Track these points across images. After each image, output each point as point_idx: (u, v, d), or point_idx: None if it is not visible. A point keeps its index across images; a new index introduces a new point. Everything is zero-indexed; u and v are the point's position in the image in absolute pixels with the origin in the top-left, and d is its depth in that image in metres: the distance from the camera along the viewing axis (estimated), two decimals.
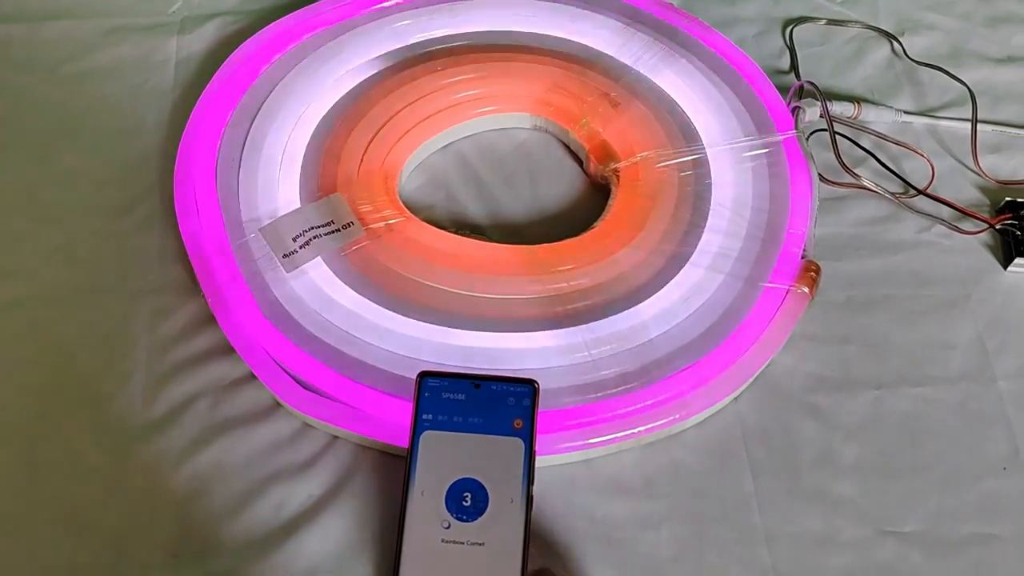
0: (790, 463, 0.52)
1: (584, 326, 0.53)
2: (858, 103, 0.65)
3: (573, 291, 0.55)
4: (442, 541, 0.44)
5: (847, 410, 0.54)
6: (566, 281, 0.55)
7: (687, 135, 0.62)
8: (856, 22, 0.72)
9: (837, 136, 0.62)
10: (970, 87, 0.66)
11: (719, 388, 0.52)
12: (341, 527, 0.49)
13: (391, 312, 0.54)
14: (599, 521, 0.50)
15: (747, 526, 0.50)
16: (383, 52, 0.65)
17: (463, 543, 0.44)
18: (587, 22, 0.67)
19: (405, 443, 0.46)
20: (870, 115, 0.65)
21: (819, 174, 0.61)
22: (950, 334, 0.57)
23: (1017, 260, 0.58)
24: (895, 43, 0.71)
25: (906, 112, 0.66)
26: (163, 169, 0.62)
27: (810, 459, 0.52)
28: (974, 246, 0.60)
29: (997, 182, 0.63)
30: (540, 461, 0.48)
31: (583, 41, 0.66)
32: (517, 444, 0.45)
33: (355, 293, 0.54)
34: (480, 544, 0.44)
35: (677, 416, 0.51)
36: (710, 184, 0.59)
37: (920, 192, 0.62)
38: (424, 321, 0.53)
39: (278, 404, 0.53)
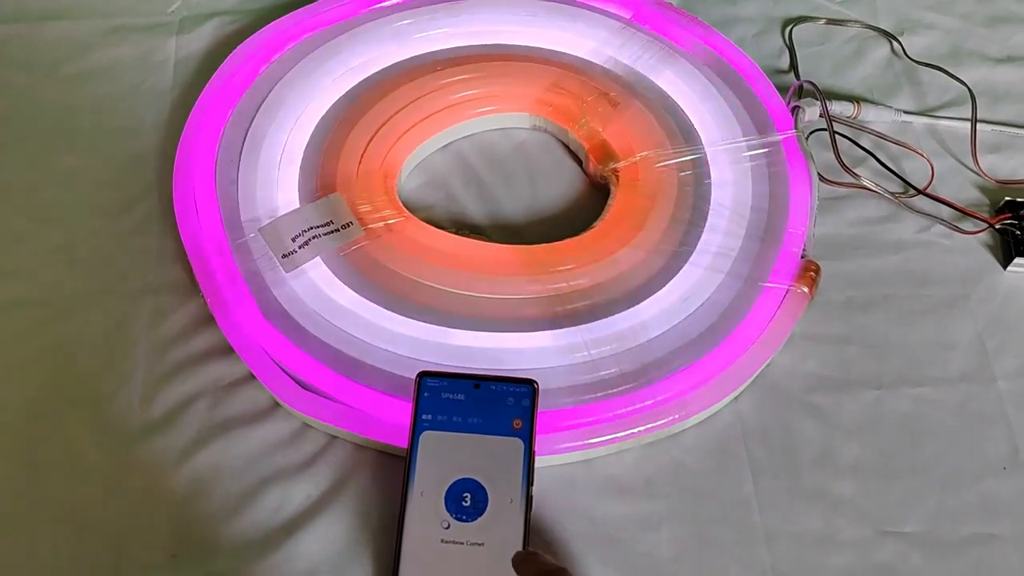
0: (790, 463, 0.52)
1: (583, 326, 0.53)
2: (858, 103, 0.65)
3: (572, 291, 0.55)
4: (441, 541, 0.44)
5: (847, 410, 0.54)
6: (565, 281, 0.55)
7: (687, 135, 0.62)
8: (856, 22, 0.72)
9: (837, 136, 0.62)
10: (970, 87, 0.66)
11: (719, 388, 0.52)
12: (340, 527, 0.49)
13: (390, 312, 0.54)
14: (599, 521, 0.50)
15: (747, 526, 0.50)
16: (382, 53, 0.65)
17: (463, 543, 0.44)
18: (586, 22, 0.67)
19: (404, 443, 0.46)
20: (870, 115, 0.65)
21: (819, 174, 0.61)
22: (950, 334, 0.57)
23: (1017, 260, 0.58)
24: (895, 43, 0.71)
25: (906, 112, 0.66)
26: (162, 169, 0.62)
27: (810, 459, 0.52)
28: (974, 246, 0.60)
29: (997, 182, 0.63)
30: (540, 461, 0.48)
31: (582, 41, 0.66)
32: (517, 444, 0.45)
33: (354, 293, 0.54)
34: (480, 544, 0.44)
35: (677, 416, 0.51)
36: (709, 184, 0.59)
37: (920, 192, 0.62)
38: (423, 321, 0.53)
39: (277, 404, 0.53)
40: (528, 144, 0.65)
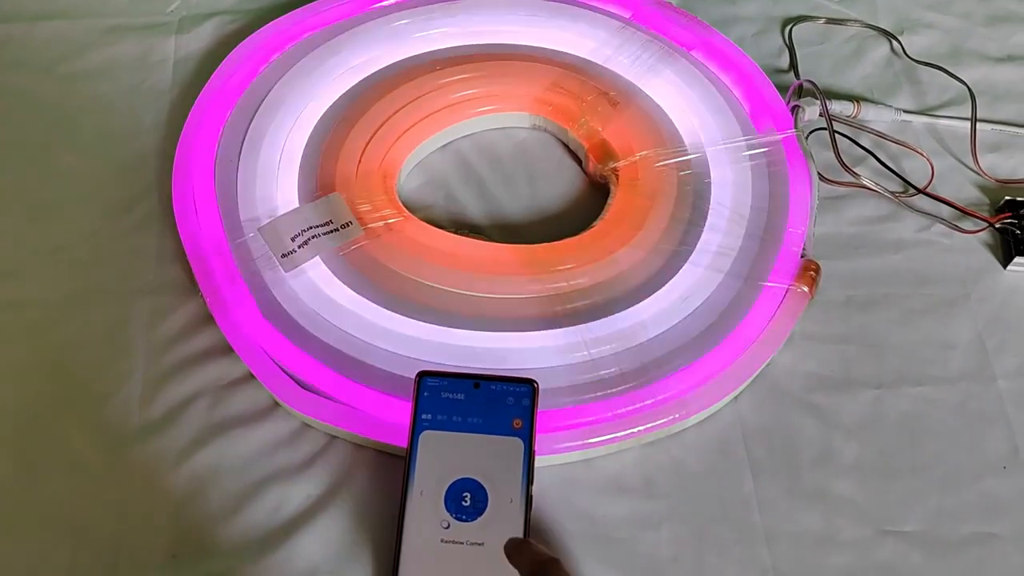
0: (790, 463, 0.52)
1: (583, 325, 0.53)
2: (857, 102, 0.65)
3: (572, 290, 0.55)
4: (441, 541, 0.44)
5: (847, 409, 0.54)
6: (565, 280, 0.55)
7: (686, 134, 0.62)
8: (855, 21, 0.72)
9: (836, 135, 0.62)
10: (969, 86, 0.66)
11: (719, 387, 0.52)
12: (340, 527, 0.49)
13: (390, 312, 0.53)
14: (599, 521, 0.50)
15: (747, 526, 0.50)
16: (382, 52, 0.65)
17: (462, 543, 0.44)
18: (586, 21, 0.67)
19: (404, 443, 0.46)
20: (869, 114, 0.65)
21: (819, 173, 0.61)
22: (950, 333, 0.57)
23: (1017, 259, 0.58)
24: (894, 42, 0.71)
25: (905, 111, 0.66)
26: (161, 169, 0.61)
27: (810, 459, 0.52)
28: (974, 245, 0.60)
29: (996, 181, 0.63)
30: (540, 461, 0.48)
31: (582, 40, 0.66)
32: (516, 444, 0.45)
33: (354, 293, 0.54)
34: (479, 544, 0.44)
35: (677, 416, 0.51)
36: (709, 183, 0.59)
37: (920, 191, 0.62)
38: (423, 321, 0.53)
39: (277, 404, 0.53)
40: (528, 143, 0.65)
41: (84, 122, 0.64)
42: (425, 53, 0.65)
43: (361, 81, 0.63)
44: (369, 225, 0.57)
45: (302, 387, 0.51)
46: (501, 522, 0.44)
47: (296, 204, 0.58)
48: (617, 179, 0.60)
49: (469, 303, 0.54)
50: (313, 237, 0.56)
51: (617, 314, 0.54)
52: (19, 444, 0.51)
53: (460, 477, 0.45)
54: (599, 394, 0.51)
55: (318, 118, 0.62)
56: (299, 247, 0.55)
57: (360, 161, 0.60)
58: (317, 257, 0.55)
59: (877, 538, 0.50)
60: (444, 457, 0.45)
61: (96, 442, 0.51)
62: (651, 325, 0.53)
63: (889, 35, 0.71)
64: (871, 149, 0.63)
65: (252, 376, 0.52)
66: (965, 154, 0.64)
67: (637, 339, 0.53)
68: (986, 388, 0.55)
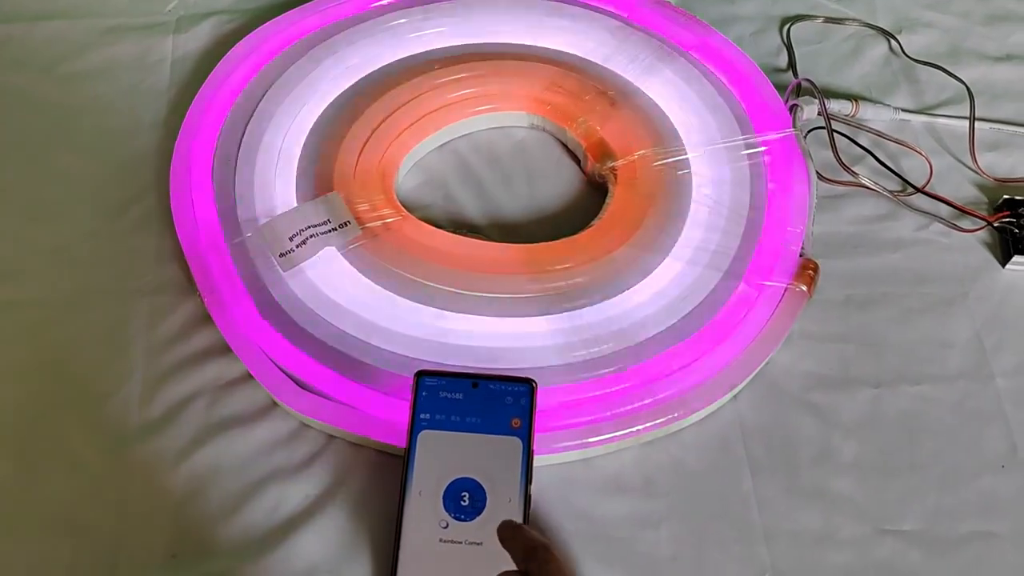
0: (789, 461, 0.52)
1: (582, 324, 0.53)
2: (856, 101, 0.65)
3: (571, 289, 0.55)
4: (440, 541, 0.44)
5: (846, 408, 0.54)
6: (564, 279, 0.55)
7: (684, 133, 0.62)
8: (854, 20, 0.72)
9: (835, 134, 0.62)
10: (968, 85, 0.66)
11: (718, 386, 0.52)
12: (338, 527, 0.49)
13: (388, 311, 0.53)
14: (598, 520, 0.50)
15: (746, 524, 0.50)
16: (379, 52, 0.65)
17: (461, 543, 0.44)
18: (584, 21, 0.67)
19: (402, 443, 0.46)
20: (868, 113, 0.65)
21: (817, 172, 0.61)
22: (948, 332, 0.57)
23: (1015, 258, 0.58)
24: (893, 41, 0.71)
25: (904, 110, 0.66)
26: (160, 169, 0.61)
27: (809, 457, 0.52)
28: (972, 244, 0.60)
29: (995, 180, 0.63)
30: (538, 460, 0.48)
31: (580, 40, 0.66)
32: (515, 443, 0.45)
33: (352, 292, 0.54)
34: (478, 544, 0.44)
35: (676, 415, 0.51)
36: (708, 182, 0.59)
37: (918, 190, 0.62)
38: (422, 320, 0.53)
39: (275, 404, 0.53)
40: (526, 143, 0.65)
41: (83, 122, 0.64)
42: (423, 52, 0.65)
43: (359, 80, 0.63)
44: (367, 224, 0.57)
45: (300, 387, 0.51)
46: (500, 522, 0.44)
47: (294, 204, 0.58)
48: (615, 178, 0.60)
49: (468, 302, 0.54)
50: (311, 237, 0.56)
51: (615, 313, 0.54)
52: (18, 444, 0.51)
53: (459, 477, 0.45)
54: (598, 393, 0.51)
55: (316, 117, 0.62)
56: (297, 247, 0.55)
57: (358, 160, 0.60)
58: (315, 257, 0.55)
59: (876, 537, 0.50)
60: (443, 457, 0.45)
61: (95, 442, 0.51)
62: (649, 324, 0.53)
63: (888, 34, 0.71)
64: (870, 148, 0.63)
65: (250, 376, 0.52)
66: (964, 153, 0.64)
67: (636, 338, 0.53)
68: (984, 387, 0.55)
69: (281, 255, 0.55)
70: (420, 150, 0.63)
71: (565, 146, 0.65)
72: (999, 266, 0.59)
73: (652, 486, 0.51)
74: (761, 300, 0.55)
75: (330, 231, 0.56)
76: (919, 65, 0.69)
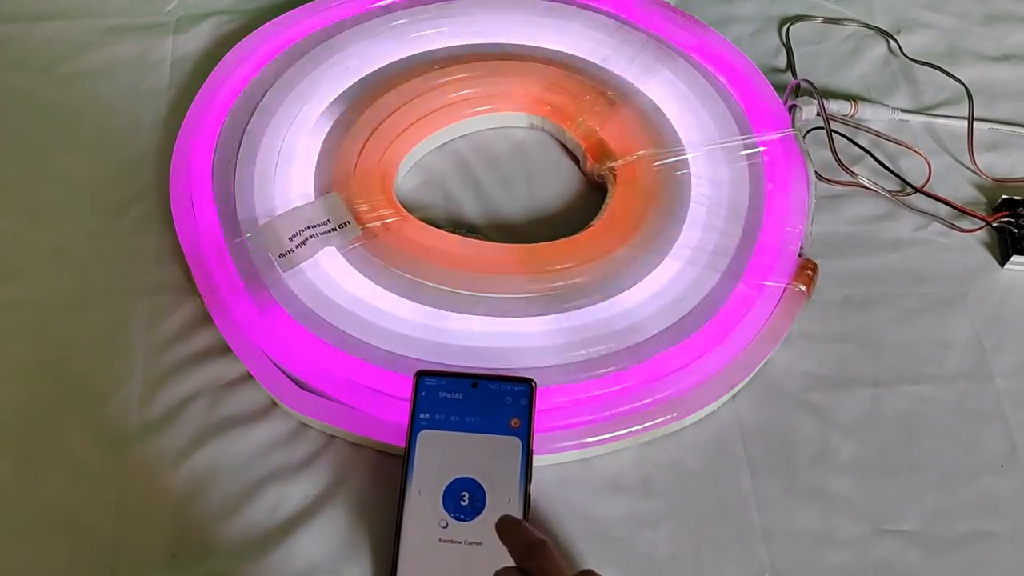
0: (788, 461, 0.52)
1: (581, 324, 0.53)
2: (854, 101, 0.65)
3: (570, 289, 0.55)
4: (440, 540, 0.44)
5: (844, 408, 0.54)
6: (563, 280, 0.55)
7: (684, 134, 0.62)
8: (852, 20, 0.72)
9: (834, 134, 0.62)
10: (966, 85, 0.66)
11: (716, 386, 0.52)
12: (338, 527, 0.49)
13: (388, 311, 0.54)
14: (597, 520, 0.50)
15: (745, 524, 0.50)
16: (379, 52, 0.65)
17: (461, 542, 0.44)
18: (583, 21, 0.67)
19: (402, 442, 0.46)
20: (867, 113, 0.65)
21: (816, 172, 0.61)
22: (947, 332, 0.57)
23: (1014, 258, 0.59)
24: (891, 41, 0.71)
25: (903, 110, 0.66)
26: (160, 169, 0.61)
27: (808, 457, 0.52)
28: (971, 244, 0.60)
29: (994, 180, 0.63)
30: (537, 460, 0.48)
31: (579, 40, 0.66)
32: (514, 443, 0.45)
33: (352, 292, 0.54)
34: (478, 543, 0.44)
35: (674, 415, 0.51)
36: (707, 182, 0.59)
37: (917, 190, 0.62)
38: (421, 320, 0.53)
39: (275, 404, 0.53)
40: (526, 143, 0.65)
41: (82, 122, 0.64)
42: (423, 53, 0.65)
43: (359, 81, 0.63)
44: (367, 225, 0.57)
45: (300, 387, 0.51)
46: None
47: (294, 204, 0.58)
48: (615, 178, 0.60)
49: (467, 302, 0.54)
50: (311, 237, 0.56)
51: (615, 313, 0.54)
52: (18, 444, 0.51)
53: (458, 476, 0.45)
54: (597, 393, 0.51)
55: (316, 118, 0.62)
56: (297, 247, 0.55)
57: (358, 161, 0.60)
58: (315, 257, 0.55)
59: (875, 537, 0.50)
60: (442, 456, 0.45)
61: (95, 442, 0.51)
62: (648, 324, 0.54)
63: (886, 34, 0.71)
64: (868, 148, 0.63)
65: (250, 376, 0.52)
66: (962, 153, 0.64)
67: (634, 338, 0.53)
68: (983, 387, 0.55)
69: (281, 255, 0.55)
70: (420, 150, 0.63)
71: (564, 146, 0.65)
72: (998, 266, 0.60)
73: (651, 486, 0.51)
74: (760, 300, 0.55)
75: (330, 231, 0.56)
76: (918, 65, 0.69)
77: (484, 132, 0.65)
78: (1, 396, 0.53)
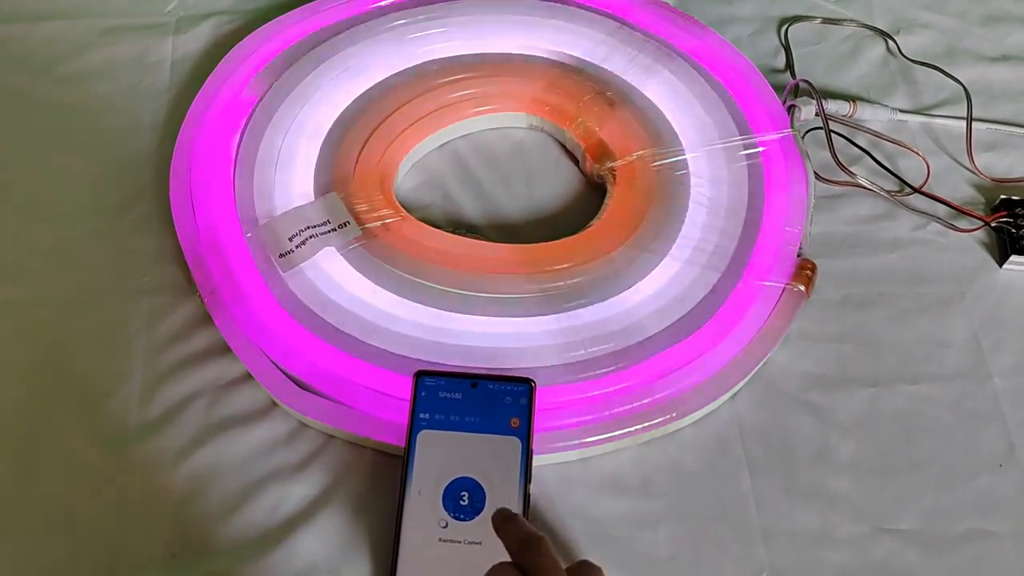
0: (787, 461, 0.52)
1: (580, 324, 0.53)
2: (853, 101, 0.65)
3: (569, 289, 0.55)
4: (439, 540, 0.44)
5: (843, 408, 0.54)
6: (563, 279, 0.55)
7: (683, 134, 0.62)
8: (851, 21, 0.72)
9: (833, 134, 0.62)
10: (965, 85, 0.66)
11: (716, 386, 0.52)
12: (338, 526, 0.49)
13: (388, 311, 0.54)
14: (596, 520, 0.50)
15: (744, 524, 0.50)
16: (379, 53, 0.65)
17: (460, 542, 0.44)
18: (582, 21, 0.67)
19: (402, 442, 0.46)
20: (865, 113, 0.65)
21: (815, 172, 0.61)
22: (946, 332, 0.57)
23: (1012, 258, 0.59)
24: (890, 42, 0.71)
25: (901, 110, 0.66)
26: (160, 169, 0.61)
27: (807, 457, 0.52)
28: (969, 244, 0.61)
29: (992, 180, 0.63)
30: (537, 460, 0.48)
31: (579, 40, 0.66)
32: (514, 443, 0.46)
33: (352, 292, 0.54)
34: (478, 543, 0.44)
35: (674, 415, 0.51)
36: (706, 182, 0.60)
37: (915, 190, 0.62)
38: (421, 320, 0.53)
39: (275, 404, 0.53)
40: (525, 143, 0.65)
41: (82, 122, 0.64)
42: (423, 53, 0.65)
43: (358, 81, 0.63)
44: (367, 225, 0.57)
45: (300, 387, 0.51)
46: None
47: (294, 204, 0.58)
48: (614, 179, 0.60)
49: (467, 302, 0.54)
50: (311, 237, 0.56)
51: (614, 313, 0.54)
52: (18, 444, 0.51)
53: (458, 476, 0.45)
54: (596, 393, 0.51)
55: (315, 118, 0.62)
56: (297, 247, 0.55)
57: (357, 161, 0.60)
58: (315, 257, 0.55)
59: (874, 536, 0.50)
60: (442, 456, 0.45)
61: (95, 442, 0.51)
62: (647, 324, 0.54)
63: (885, 35, 0.71)
64: (867, 148, 0.63)
65: (250, 376, 0.52)
66: (961, 153, 0.64)
67: (634, 338, 0.53)
68: (982, 386, 0.55)
69: (281, 255, 0.55)
70: (419, 150, 0.63)
71: (564, 147, 0.65)
72: (996, 266, 0.60)
73: (650, 486, 0.51)
74: (759, 300, 0.55)
75: (330, 231, 0.56)
76: (916, 66, 0.69)
77: (484, 132, 0.66)
78: (1, 396, 0.53)
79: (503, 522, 0.40)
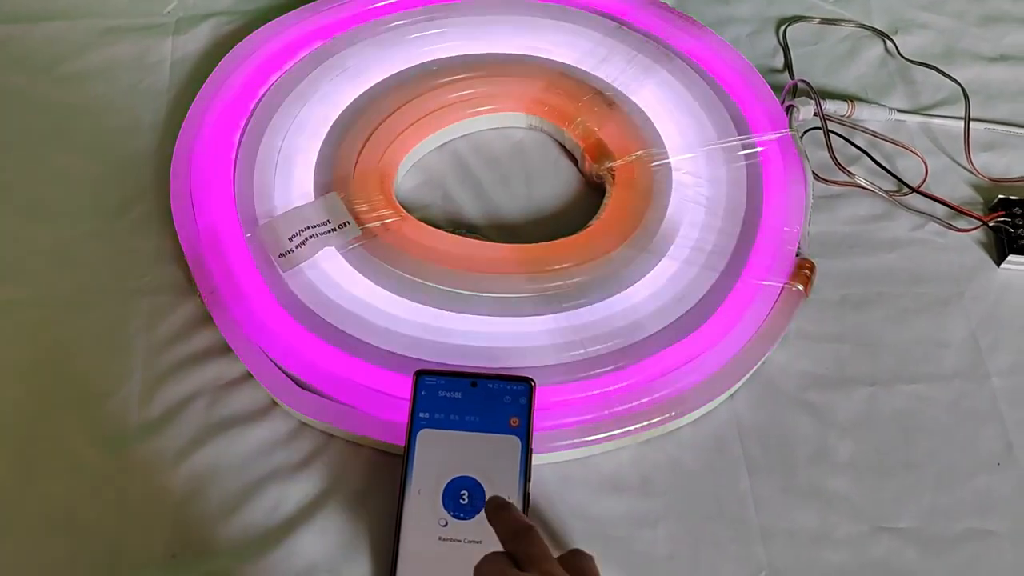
0: (785, 460, 0.52)
1: (580, 324, 0.53)
2: (852, 102, 0.65)
3: (569, 289, 0.55)
4: (439, 539, 0.44)
5: (842, 407, 0.54)
6: (562, 279, 0.55)
7: (682, 134, 0.62)
8: (849, 21, 0.72)
9: (831, 134, 0.62)
10: (963, 85, 0.66)
11: (715, 386, 0.52)
12: (338, 526, 0.49)
13: (387, 311, 0.54)
14: (595, 519, 0.50)
15: (743, 523, 0.50)
16: (379, 53, 0.65)
17: (460, 541, 0.44)
18: (582, 22, 0.67)
19: (402, 442, 0.46)
20: (864, 113, 0.65)
21: (813, 172, 0.61)
22: (944, 331, 0.57)
23: (1010, 257, 0.59)
24: (888, 42, 0.71)
25: (899, 110, 0.67)
26: (160, 169, 0.61)
27: (805, 456, 0.52)
28: (967, 244, 0.61)
29: (990, 180, 0.64)
30: (536, 459, 0.48)
31: (578, 41, 0.66)
32: (514, 442, 0.46)
33: (351, 292, 0.54)
34: (478, 542, 0.44)
35: (673, 414, 0.51)
36: (705, 182, 0.60)
37: (914, 190, 0.62)
38: (420, 320, 0.53)
39: (275, 403, 0.53)
40: (524, 144, 0.65)
41: (82, 123, 0.64)
42: (422, 52, 0.65)
43: (358, 81, 0.63)
44: (366, 225, 0.57)
45: (300, 386, 0.52)
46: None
47: (294, 204, 0.58)
48: (613, 179, 0.61)
49: (466, 302, 0.54)
50: (311, 237, 0.56)
51: (613, 312, 0.54)
52: (18, 444, 0.51)
53: (458, 475, 0.45)
54: (595, 392, 0.51)
55: (315, 118, 0.62)
56: (297, 247, 0.55)
57: (357, 161, 0.60)
58: (315, 257, 0.55)
59: (872, 535, 0.50)
60: (442, 455, 0.46)
61: (95, 441, 0.51)
62: (647, 323, 0.54)
63: (883, 35, 0.71)
64: (865, 148, 0.63)
65: (250, 376, 0.52)
66: (959, 153, 0.65)
67: (633, 337, 0.53)
68: (980, 386, 0.55)
69: (281, 255, 0.55)
70: (419, 150, 0.63)
71: (563, 147, 0.65)
72: (994, 265, 0.60)
73: (649, 485, 0.51)
74: (758, 300, 0.55)
75: (329, 231, 0.56)
76: (914, 66, 0.69)
77: (483, 132, 0.66)
78: (1, 396, 0.53)
79: (496, 510, 0.40)
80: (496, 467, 0.45)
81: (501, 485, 0.45)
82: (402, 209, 0.59)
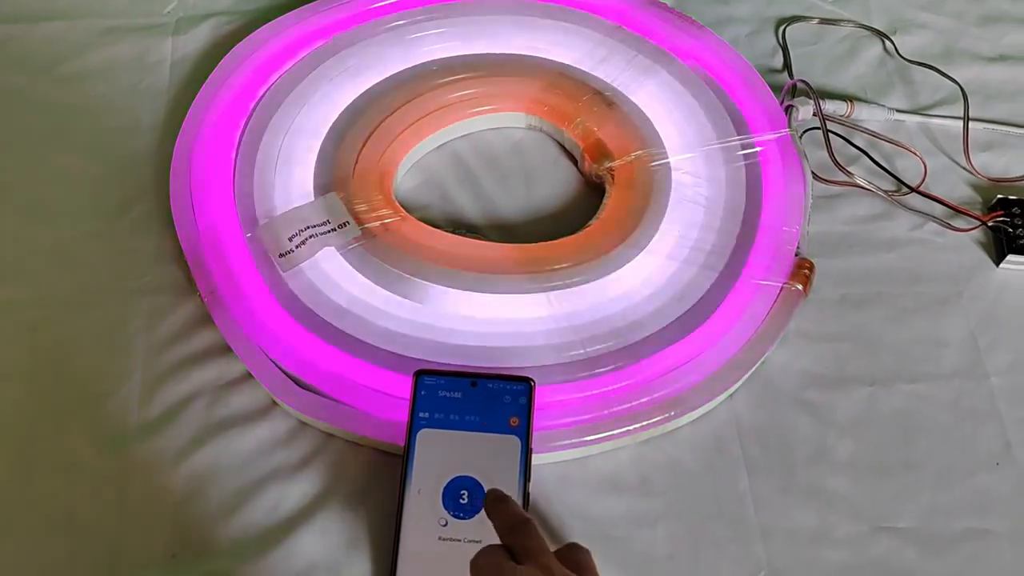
0: (785, 460, 0.52)
1: (579, 324, 0.53)
2: (851, 101, 0.65)
3: (568, 289, 0.55)
4: (439, 539, 0.44)
5: (841, 407, 0.54)
6: (561, 279, 0.55)
7: (681, 134, 0.62)
8: (849, 21, 0.72)
9: (830, 134, 0.62)
10: (962, 85, 0.66)
11: (714, 385, 0.52)
12: (338, 525, 0.49)
13: (387, 311, 0.54)
14: (594, 519, 0.50)
15: (742, 523, 0.50)
16: (378, 53, 0.65)
17: (460, 540, 0.44)
18: (581, 22, 0.67)
19: (402, 441, 0.46)
20: (863, 113, 0.66)
21: (812, 172, 0.61)
22: (943, 331, 0.57)
23: (1009, 257, 0.59)
24: (887, 42, 0.71)
25: (898, 110, 0.67)
26: (160, 169, 0.61)
27: (805, 456, 0.52)
28: (966, 243, 0.61)
29: (989, 179, 0.64)
30: (536, 459, 0.48)
31: (577, 41, 0.66)
32: (513, 442, 0.46)
33: (351, 292, 0.54)
34: (477, 542, 0.44)
35: (672, 414, 0.51)
36: (704, 182, 0.60)
37: (913, 190, 0.62)
38: (420, 320, 0.53)
39: (275, 403, 0.53)
40: (524, 144, 0.66)
41: (81, 123, 0.65)
42: (422, 52, 0.65)
43: (358, 81, 0.64)
44: (366, 225, 0.57)
45: (300, 386, 0.52)
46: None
47: (294, 204, 0.58)
48: (612, 179, 0.61)
49: (466, 302, 0.54)
50: (311, 237, 0.56)
51: (612, 312, 0.54)
52: (17, 444, 0.51)
53: (458, 475, 0.45)
54: (594, 392, 0.51)
55: (315, 118, 0.62)
56: (297, 247, 0.55)
57: (357, 161, 0.60)
58: (315, 257, 0.55)
59: (872, 534, 0.50)
60: (442, 455, 0.46)
61: (95, 441, 0.51)
62: (646, 323, 0.54)
63: (882, 35, 0.71)
64: (864, 148, 0.63)
65: (250, 375, 0.53)
66: (958, 153, 0.65)
67: (632, 337, 0.53)
68: (979, 385, 0.55)
69: (281, 255, 0.55)
70: (419, 151, 0.64)
71: (563, 147, 0.65)
72: (993, 265, 0.60)
73: (649, 485, 0.51)
74: (757, 299, 0.55)
75: (329, 231, 0.56)
76: (913, 66, 0.69)
77: (483, 132, 0.66)
78: (1, 396, 0.53)
79: (494, 503, 0.40)
80: (496, 467, 0.45)
81: (501, 485, 0.44)
82: (402, 209, 0.59)
